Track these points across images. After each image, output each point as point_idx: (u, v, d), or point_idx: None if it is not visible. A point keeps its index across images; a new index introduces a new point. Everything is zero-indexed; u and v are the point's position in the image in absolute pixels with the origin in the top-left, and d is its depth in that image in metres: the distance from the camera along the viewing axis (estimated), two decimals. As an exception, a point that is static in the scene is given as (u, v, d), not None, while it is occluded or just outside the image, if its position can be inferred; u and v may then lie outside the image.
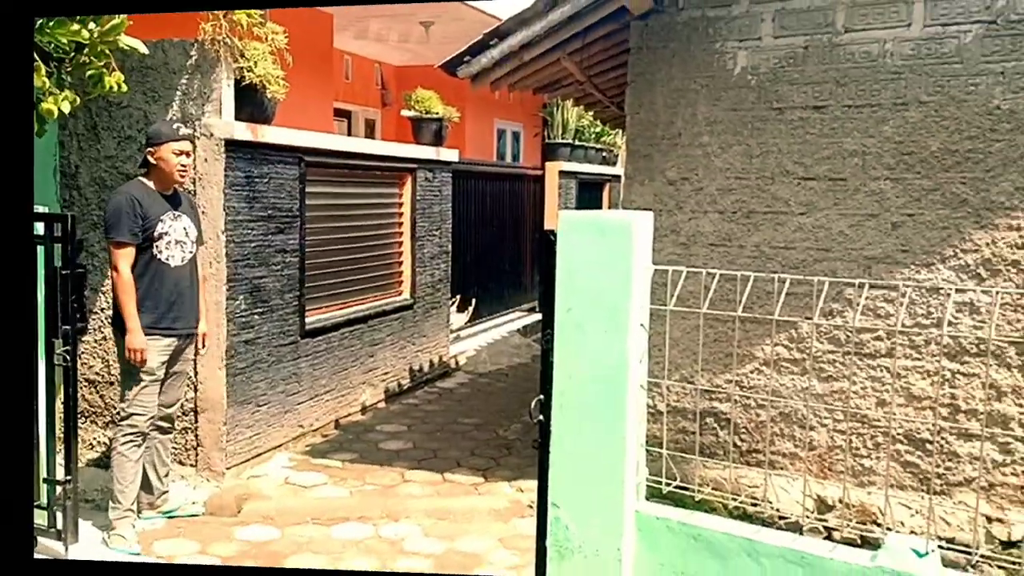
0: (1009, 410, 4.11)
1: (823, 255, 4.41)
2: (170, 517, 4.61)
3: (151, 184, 4.36)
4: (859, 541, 2.89)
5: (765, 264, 4.53)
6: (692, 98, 4.67)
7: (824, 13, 4.33)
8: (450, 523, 4.72)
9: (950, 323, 4.13)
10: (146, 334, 4.24)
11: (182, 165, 4.38)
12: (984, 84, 4.06)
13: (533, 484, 3.08)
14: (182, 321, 4.44)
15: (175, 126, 4.41)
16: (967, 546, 3.11)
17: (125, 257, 4.20)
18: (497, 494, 5.17)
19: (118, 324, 4.27)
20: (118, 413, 4.37)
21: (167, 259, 4.34)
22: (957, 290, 4.12)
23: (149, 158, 4.33)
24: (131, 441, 4.30)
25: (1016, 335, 4.06)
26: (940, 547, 2.47)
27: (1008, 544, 3.98)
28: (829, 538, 3.06)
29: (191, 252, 4.48)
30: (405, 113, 7.74)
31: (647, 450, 2.98)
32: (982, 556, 2.61)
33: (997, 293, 3.84)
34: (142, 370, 4.25)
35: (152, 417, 4.35)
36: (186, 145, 4.43)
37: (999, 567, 3.39)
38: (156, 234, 4.29)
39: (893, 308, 4.23)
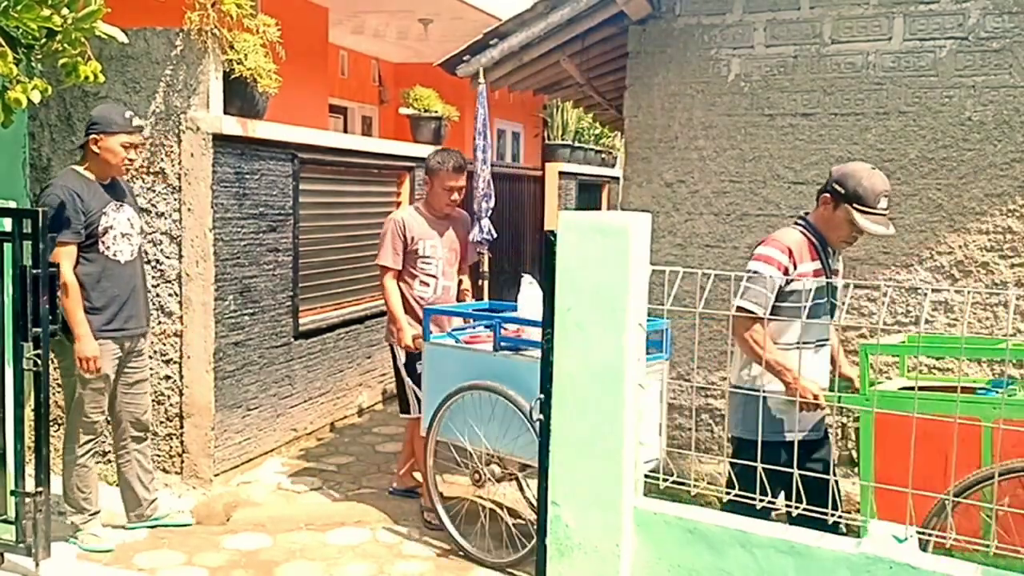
0: (979, 402, 4.43)
1: (812, 256, 4.65)
2: (154, 527, 4.44)
3: (88, 174, 4.08)
4: (845, 529, 3.06)
5: None
6: (688, 103, 4.91)
7: (812, 24, 4.62)
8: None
9: (927, 321, 4.41)
10: (98, 337, 4.01)
11: (128, 159, 4.13)
12: (957, 96, 4.35)
13: (533, 483, 3.20)
14: (135, 320, 4.22)
15: (127, 115, 4.10)
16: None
17: (67, 257, 3.92)
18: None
19: (62, 330, 3.94)
20: (71, 423, 4.15)
21: (115, 255, 4.10)
22: (933, 290, 4.41)
23: (92, 147, 4.03)
24: (91, 450, 4.17)
25: (985, 332, 4.32)
26: (917, 532, 2.65)
27: None
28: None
29: (138, 245, 4.26)
30: (403, 111, 7.63)
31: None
32: (955, 539, 2.80)
33: (969, 293, 4.10)
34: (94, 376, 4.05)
35: (104, 417, 4.20)
36: (137, 138, 4.18)
37: (974, 550, 3.57)
38: (101, 229, 4.03)
39: (876, 307, 4.52)
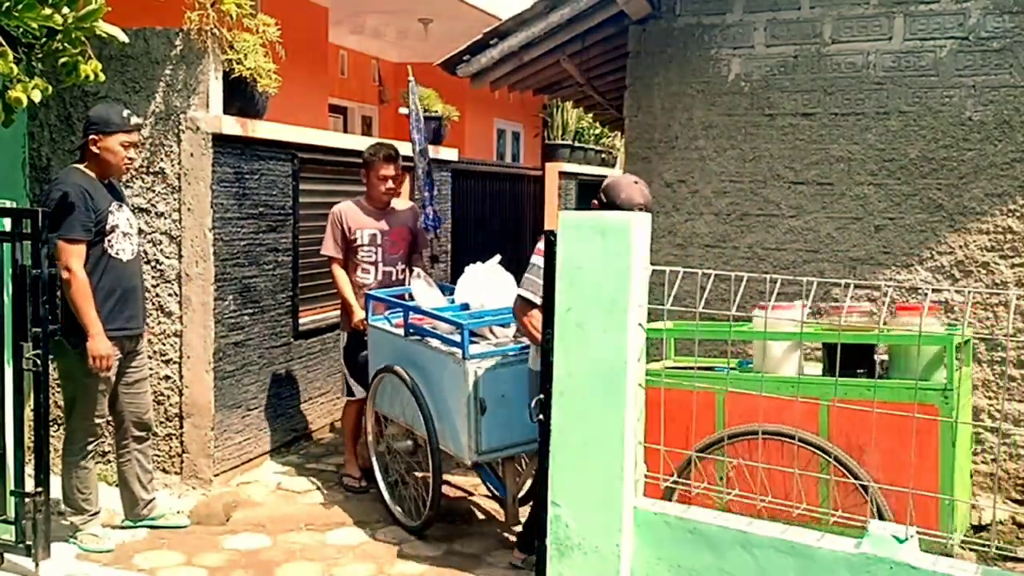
0: (980, 402, 4.40)
1: (812, 256, 4.70)
2: (153, 527, 4.43)
3: (90, 173, 4.07)
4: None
5: (758, 265, 4.77)
6: (688, 103, 4.91)
7: (812, 24, 4.63)
8: (448, 524, 4.62)
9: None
10: None
11: (128, 159, 4.12)
12: (957, 96, 4.37)
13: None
14: (135, 320, 4.22)
15: (125, 114, 4.08)
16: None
17: (78, 256, 3.91)
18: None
19: (71, 330, 3.93)
20: (71, 426, 4.14)
21: (118, 253, 4.10)
22: (933, 290, 4.41)
23: (92, 147, 4.01)
24: (91, 452, 4.17)
25: (986, 332, 4.35)
26: (918, 532, 2.66)
27: (979, 528, 4.25)
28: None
29: (138, 244, 4.28)
30: (403, 111, 7.59)
31: (645, 447, 3.12)
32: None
33: (969, 293, 4.11)
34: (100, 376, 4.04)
35: (104, 418, 4.19)
36: (136, 137, 4.18)
37: (971, 550, 3.61)
38: (108, 227, 4.04)
39: (876, 307, 4.45)
